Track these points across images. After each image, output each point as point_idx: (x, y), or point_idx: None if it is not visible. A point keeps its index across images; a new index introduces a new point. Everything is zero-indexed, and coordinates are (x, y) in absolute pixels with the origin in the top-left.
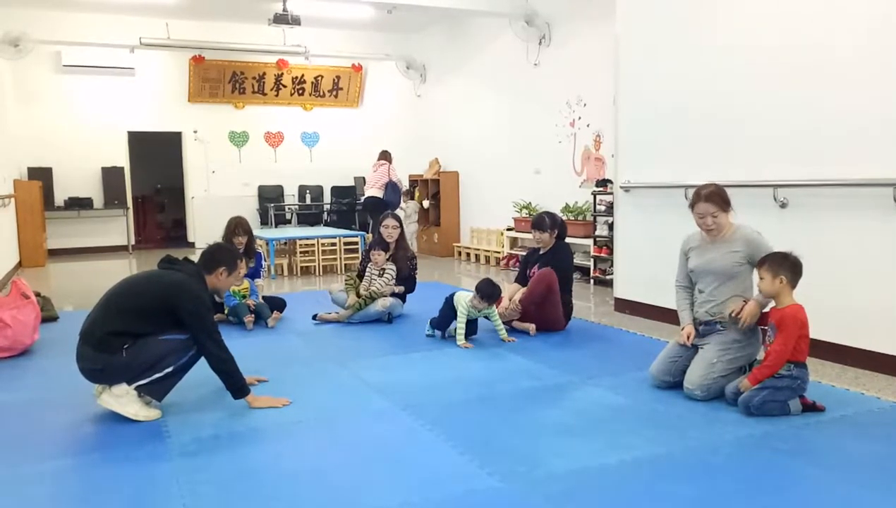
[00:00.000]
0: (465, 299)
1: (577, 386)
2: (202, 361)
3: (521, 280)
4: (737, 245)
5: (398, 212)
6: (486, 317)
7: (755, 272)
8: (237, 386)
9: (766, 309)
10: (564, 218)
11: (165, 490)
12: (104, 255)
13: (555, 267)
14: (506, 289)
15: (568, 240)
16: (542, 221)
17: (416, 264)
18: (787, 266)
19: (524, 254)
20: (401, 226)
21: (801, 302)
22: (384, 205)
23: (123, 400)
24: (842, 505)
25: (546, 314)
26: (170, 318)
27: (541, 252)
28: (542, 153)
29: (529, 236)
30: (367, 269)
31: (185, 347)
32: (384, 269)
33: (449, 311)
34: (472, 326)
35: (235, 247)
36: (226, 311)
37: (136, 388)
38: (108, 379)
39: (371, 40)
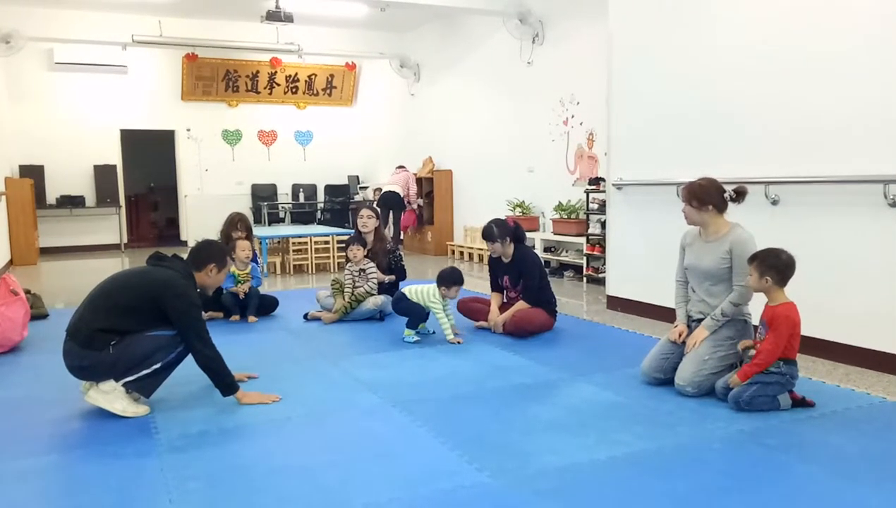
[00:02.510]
0: (431, 292)
1: (568, 383)
2: (191, 357)
3: (496, 288)
4: (726, 246)
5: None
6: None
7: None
8: (225, 383)
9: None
10: (559, 215)
11: (152, 486)
12: (96, 254)
13: (527, 283)
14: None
15: (561, 238)
16: (490, 232)
17: (399, 255)
18: (775, 266)
19: (489, 259)
20: (377, 216)
21: (791, 300)
22: (402, 200)
23: (111, 396)
24: (831, 500)
25: (534, 329)
26: (157, 315)
27: (504, 260)
28: (535, 151)
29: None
30: (348, 268)
31: (173, 343)
32: (364, 270)
33: (413, 307)
34: (421, 313)
35: (225, 245)
36: (224, 296)
37: (124, 385)
38: (95, 375)
39: (365, 39)
